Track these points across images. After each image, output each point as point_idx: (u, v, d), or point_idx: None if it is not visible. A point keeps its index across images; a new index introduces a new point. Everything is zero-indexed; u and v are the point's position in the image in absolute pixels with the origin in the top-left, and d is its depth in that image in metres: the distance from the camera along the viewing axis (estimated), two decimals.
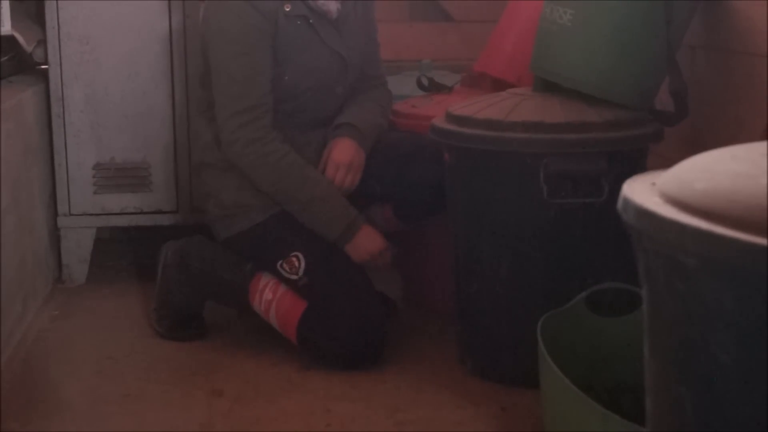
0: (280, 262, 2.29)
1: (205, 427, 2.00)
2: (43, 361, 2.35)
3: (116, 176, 2.88)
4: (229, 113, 2.29)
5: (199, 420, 2.03)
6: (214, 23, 2.32)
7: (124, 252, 3.20)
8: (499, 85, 2.54)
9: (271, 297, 2.33)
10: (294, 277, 2.29)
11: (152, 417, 2.05)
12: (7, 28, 2.61)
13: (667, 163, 1.18)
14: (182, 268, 2.45)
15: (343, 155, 2.35)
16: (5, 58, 2.79)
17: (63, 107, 2.83)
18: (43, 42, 2.83)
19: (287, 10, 2.30)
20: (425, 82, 2.69)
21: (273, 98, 2.32)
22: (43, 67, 2.87)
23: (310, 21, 2.33)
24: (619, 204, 1.08)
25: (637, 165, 2.06)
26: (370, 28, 2.53)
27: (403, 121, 2.59)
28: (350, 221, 2.28)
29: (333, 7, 2.36)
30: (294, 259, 2.29)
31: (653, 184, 1.09)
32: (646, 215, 1.01)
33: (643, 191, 1.06)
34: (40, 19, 2.87)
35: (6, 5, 2.58)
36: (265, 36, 2.29)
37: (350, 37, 2.43)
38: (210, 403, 2.12)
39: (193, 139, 2.62)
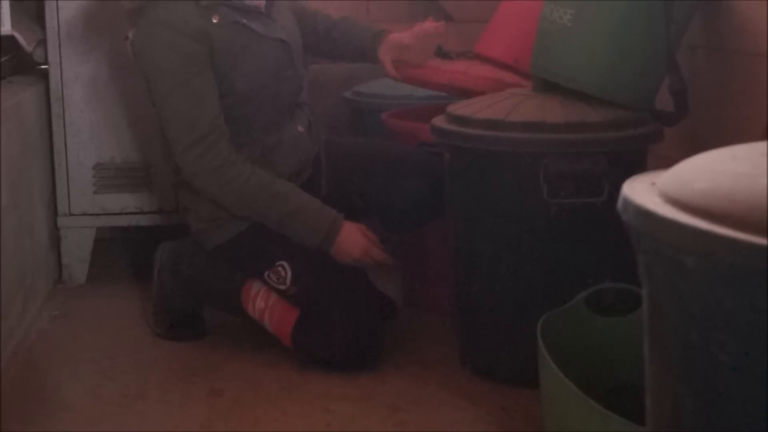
0: (266, 272, 2.28)
1: (205, 427, 2.00)
2: (44, 361, 2.35)
3: (116, 176, 2.88)
4: (182, 147, 2.23)
5: (199, 420, 2.03)
6: (145, 60, 2.27)
7: (124, 252, 3.20)
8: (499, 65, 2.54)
9: (264, 306, 2.32)
10: (282, 287, 2.27)
11: (152, 417, 2.05)
12: (7, 28, 2.61)
13: (667, 163, 1.18)
14: (176, 273, 2.45)
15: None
16: (5, 58, 2.79)
17: (63, 107, 2.83)
18: (43, 42, 2.83)
19: (216, 21, 2.24)
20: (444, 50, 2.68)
21: (232, 106, 2.28)
22: (43, 67, 2.87)
23: (243, 22, 2.28)
24: (619, 204, 1.08)
25: (637, 165, 2.06)
26: (291, 6, 2.53)
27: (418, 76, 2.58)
28: (328, 227, 2.23)
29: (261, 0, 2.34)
30: (280, 268, 2.26)
31: (653, 184, 1.09)
32: (646, 215, 1.01)
33: (643, 191, 1.06)
34: (40, 19, 2.87)
35: (6, 5, 2.58)
36: (201, 58, 2.22)
37: (283, 19, 2.42)
38: (210, 403, 2.12)
39: (165, 160, 2.50)
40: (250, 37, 2.30)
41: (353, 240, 2.24)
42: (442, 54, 2.63)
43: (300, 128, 2.43)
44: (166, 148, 2.36)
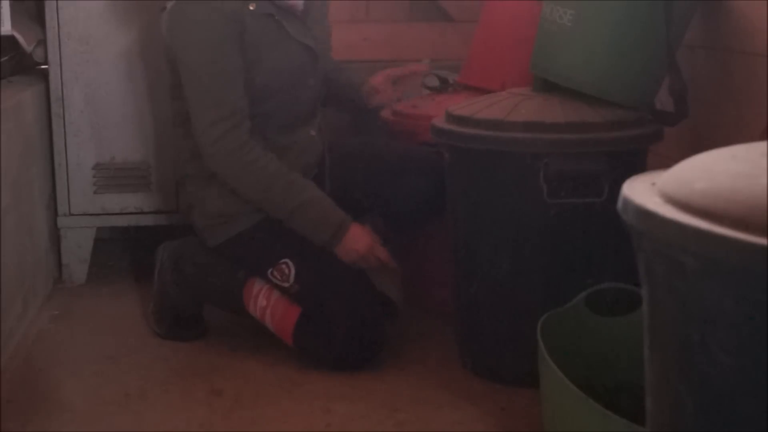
0: (270, 269, 2.28)
1: (205, 427, 2.00)
2: (43, 361, 2.35)
3: (116, 176, 2.88)
4: (205, 124, 2.24)
5: (199, 420, 2.03)
6: (179, 33, 2.27)
7: (124, 252, 3.20)
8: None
9: (265, 303, 2.32)
10: (285, 284, 2.27)
11: (152, 417, 2.05)
12: (7, 28, 2.61)
13: (667, 163, 1.18)
14: (177, 272, 2.44)
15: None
16: (5, 58, 2.79)
17: (63, 107, 2.83)
18: (43, 42, 2.83)
19: (252, 9, 2.25)
20: (433, 81, 2.69)
21: (250, 103, 2.28)
22: (43, 67, 2.87)
23: (276, 18, 2.29)
24: (619, 204, 1.08)
25: (637, 165, 2.06)
26: (326, 21, 2.53)
27: (403, 121, 2.60)
28: (339, 224, 2.24)
29: (299, 1, 2.34)
30: (283, 266, 2.27)
31: (653, 184, 1.09)
32: (646, 215, 1.01)
33: (643, 191, 1.06)
34: (40, 19, 2.87)
35: (6, 5, 2.58)
36: (233, 39, 2.23)
37: (317, 29, 2.42)
38: (210, 403, 2.12)
39: (175, 152, 2.55)
40: (280, 35, 2.31)
41: (360, 239, 2.25)
42: (442, 85, 2.66)
43: (312, 132, 2.43)
44: (179, 138, 2.38)
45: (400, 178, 2.40)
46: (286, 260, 2.27)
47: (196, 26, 2.24)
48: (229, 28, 2.23)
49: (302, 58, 2.36)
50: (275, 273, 2.28)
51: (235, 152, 2.23)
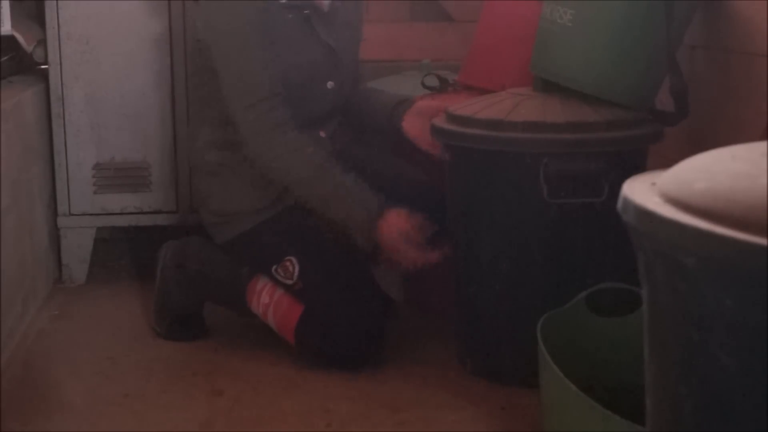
0: (274, 266, 2.29)
1: (205, 427, 2.00)
2: (43, 361, 2.35)
3: (116, 176, 2.88)
4: (244, 105, 2.24)
5: (199, 420, 2.03)
6: (214, 21, 2.29)
7: (124, 252, 3.20)
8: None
9: (268, 300, 2.32)
10: (289, 281, 2.28)
11: (152, 417, 2.05)
12: (7, 28, 2.61)
13: (667, 163, 1.18)
14: (180, 270, 2.45)
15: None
16: (5, 58, 2.79)
17: (63, 107, 2.83)
18: (43, 42, 2.83)
19: (283, 1, 2.28)
20: (431, 81, 2.69)
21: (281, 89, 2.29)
22: (43, 67, 2.87)
23: (306, 13, 2.31)
24: (619, 204, 1.08)
25: (637, 165, 2.06)
26: (359, 27, 2.52)
27: None
28: (381, 203, 2.20)
29: (325, 1, 2.35)
30: (288, 263, 2.27)
31: (653, 184, 1.09)
32: (646, 215, 1.01)
33: (643, 191, 1.06)
34: (40, 19, 2.87)
35: (6, 5, 2.58)
36: (264, 28, 2.26)
37: (341, 31, 2.41)
38: (210, 403, 2.12)
39: (190, 142, 2.56)
40: (303, 31, 2.32)
41: (401, 216, 2.20)
42: (442, 84, 2.65)
43: (322, 134, 2.42)
44: (195, 126, 2.40)
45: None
46: (291, 258, 2.27)
47: (231, 13, 2.26)
48: (260, 16, 2.25)
49: (322, 57, 2.36)
50: (279, 270, 2.28)
51: (277, 128, 2.24)
